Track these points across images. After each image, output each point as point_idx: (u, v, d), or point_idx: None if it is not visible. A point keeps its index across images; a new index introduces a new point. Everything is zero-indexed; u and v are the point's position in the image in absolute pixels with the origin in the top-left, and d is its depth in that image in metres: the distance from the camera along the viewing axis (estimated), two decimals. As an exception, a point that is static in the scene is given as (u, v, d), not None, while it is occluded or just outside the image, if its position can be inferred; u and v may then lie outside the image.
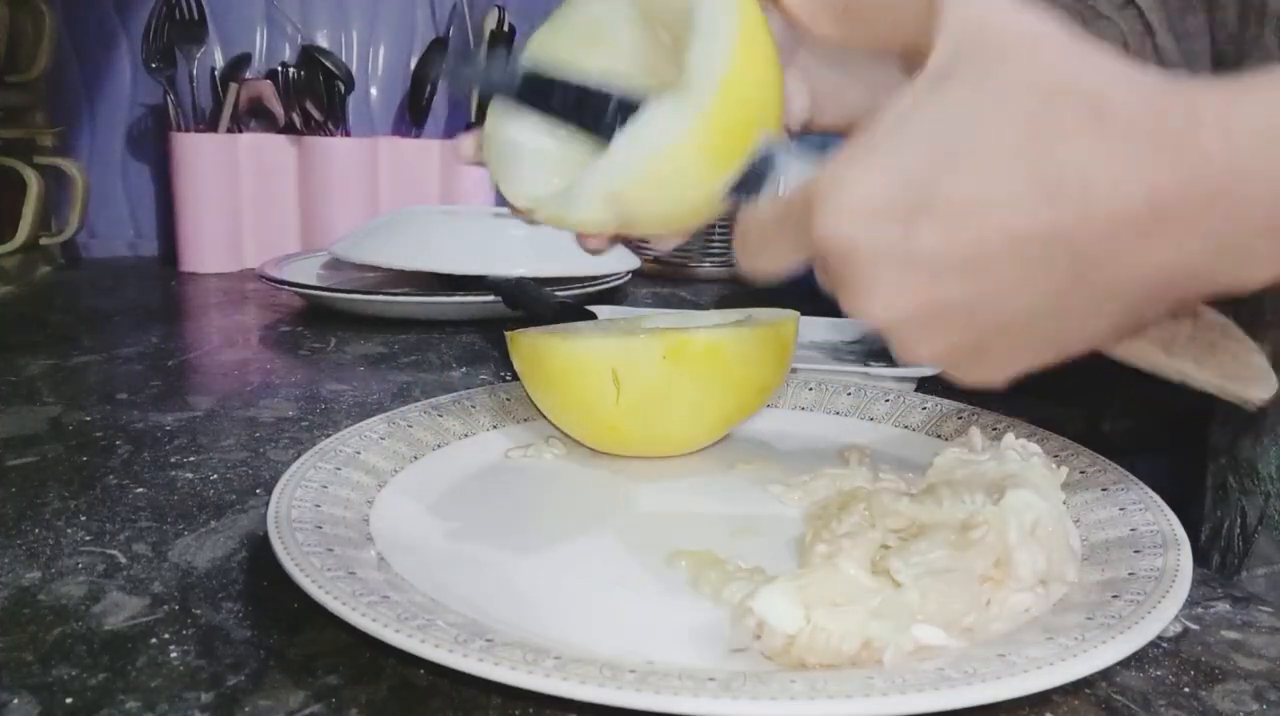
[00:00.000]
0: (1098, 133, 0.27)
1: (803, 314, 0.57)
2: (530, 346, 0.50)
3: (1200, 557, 0.60)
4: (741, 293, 1.11)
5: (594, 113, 0.39)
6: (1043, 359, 0.32)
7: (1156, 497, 0.43)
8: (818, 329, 0.77)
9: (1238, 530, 0.58)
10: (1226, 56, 0.57)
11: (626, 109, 0.38)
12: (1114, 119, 0.27)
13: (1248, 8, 0.54)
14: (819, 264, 0.33)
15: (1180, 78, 0.28)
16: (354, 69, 1.18)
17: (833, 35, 0.36)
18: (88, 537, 0.42)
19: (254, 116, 1.15)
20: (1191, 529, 0.44)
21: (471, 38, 1.22)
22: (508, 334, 0.53)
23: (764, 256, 0.35)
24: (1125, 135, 0.27)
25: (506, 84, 0.41)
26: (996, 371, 0.32)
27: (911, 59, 0.31)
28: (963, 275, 0.29)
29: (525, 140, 0.42)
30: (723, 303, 1.03)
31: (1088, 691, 0.33)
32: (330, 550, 0.36)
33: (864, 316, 0.31)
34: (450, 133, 1.27)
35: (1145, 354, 0.34)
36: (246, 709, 0.30)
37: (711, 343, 0.48)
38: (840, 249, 0.30)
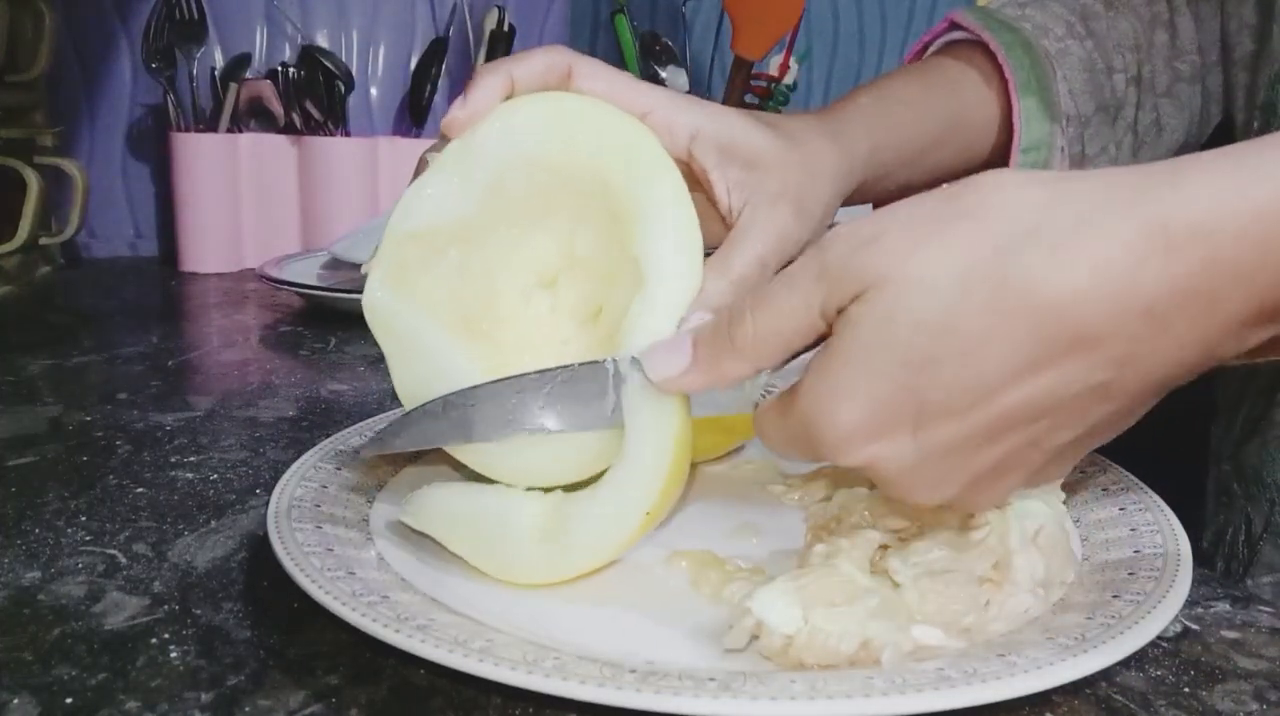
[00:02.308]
0: (1068, 282, 0.27)
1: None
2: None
3: (1204, 564, 0.59)
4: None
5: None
6: (1104, 442, 0.33)
7: (1157, 498, 0.43)
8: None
9: (1242, 537, 0.57)
10: (1231, 49, 0.57)
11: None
12: (1084, 262, 0.27)
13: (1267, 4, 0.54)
14: None
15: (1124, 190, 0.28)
16: (354, 69, 1.18)
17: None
18: (88, 537, 0.42)
19: (254, 116, 1.14)
20: (1194, 531, 0.44)
21: (471, 37, 1.22)
22: None
23: (792, 457, 0.35)
24: (1104, 270, 0.27)
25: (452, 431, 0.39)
26: (1062, 474, 0.35)
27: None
28: (992, 442, 0.30)
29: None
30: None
31: (1088, 691, 0.33)
32: (330, 550, 0.36)
33: (921, 502, 0.32)
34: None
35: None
36: (246, 709, 0.30)
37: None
38: (864, 468, 0.31)
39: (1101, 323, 0.28)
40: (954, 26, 0.58)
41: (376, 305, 0.40)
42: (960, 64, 0.56)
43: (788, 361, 0.34)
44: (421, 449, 0.42)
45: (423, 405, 0.40)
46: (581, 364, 0.38)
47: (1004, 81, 0.55)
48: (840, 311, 0.31)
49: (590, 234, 0.42)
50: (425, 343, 0.41)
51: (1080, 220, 0.28)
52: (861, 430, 0.30)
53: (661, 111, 0.41)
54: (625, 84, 0.42)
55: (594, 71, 0.41)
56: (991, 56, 0.55)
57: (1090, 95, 0.57)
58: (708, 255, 0.40)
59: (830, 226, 0.40)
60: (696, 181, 0.42)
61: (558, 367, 0.39)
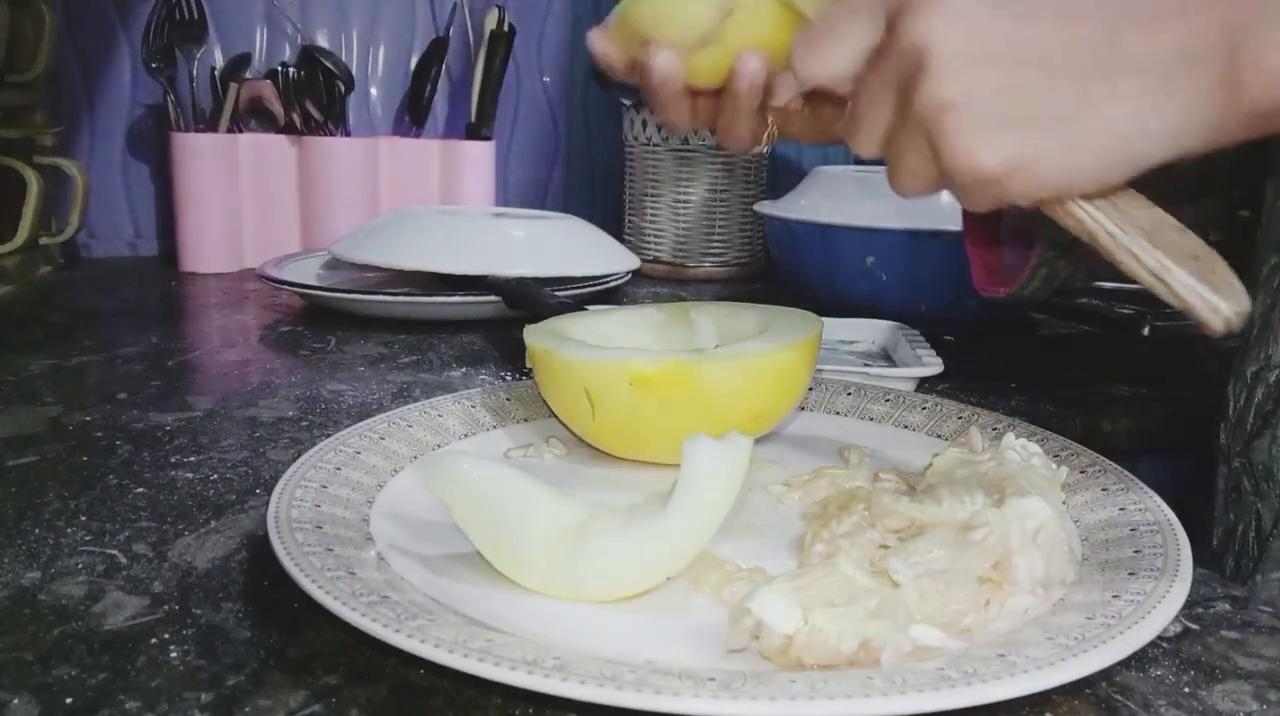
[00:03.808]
0: None
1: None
2: (531, 345, 0.51)
3: (1213, 562, 0.59)
4: (742, 293, 1.11)
5: None
6: (1050, 139, 0.34)
7: (1157, 498, 0.43)
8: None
9: (1252, 534, 0.57)
10: None
11: None
12: None
13: None
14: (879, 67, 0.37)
15: None
16: (354, 69, 1.18)
17: None
18: (88, 537, 0.42)
19: (254, 116, 1.15)
20: (1197, 531, 0.44)
21: (471, 37, 1.22)
22: (528, 327, 0.53)
23: (828, 52, 0.38)
24: None
25: None
26: (1001, 141, 0.35)
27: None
28: (1014, 14, 0.34)
29: None
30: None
31: (1088, 691, 0.33)
32: (330, 550, 0.36)
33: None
34: (450, 133, 1.27)
35: (1132, 239, 0.36)
36: (246, 709, 0.30)
37: (679, 373, 0.46)
38: (922, 34, 0.34)
39: None
40: None
41: None
42: None
43: None
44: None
45: None
46: None
47: None
48: None
49: None
50: None
51: None
52: None
53: None
54: None
55: None
56: None
57: None
58: None
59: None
60: None
61: None
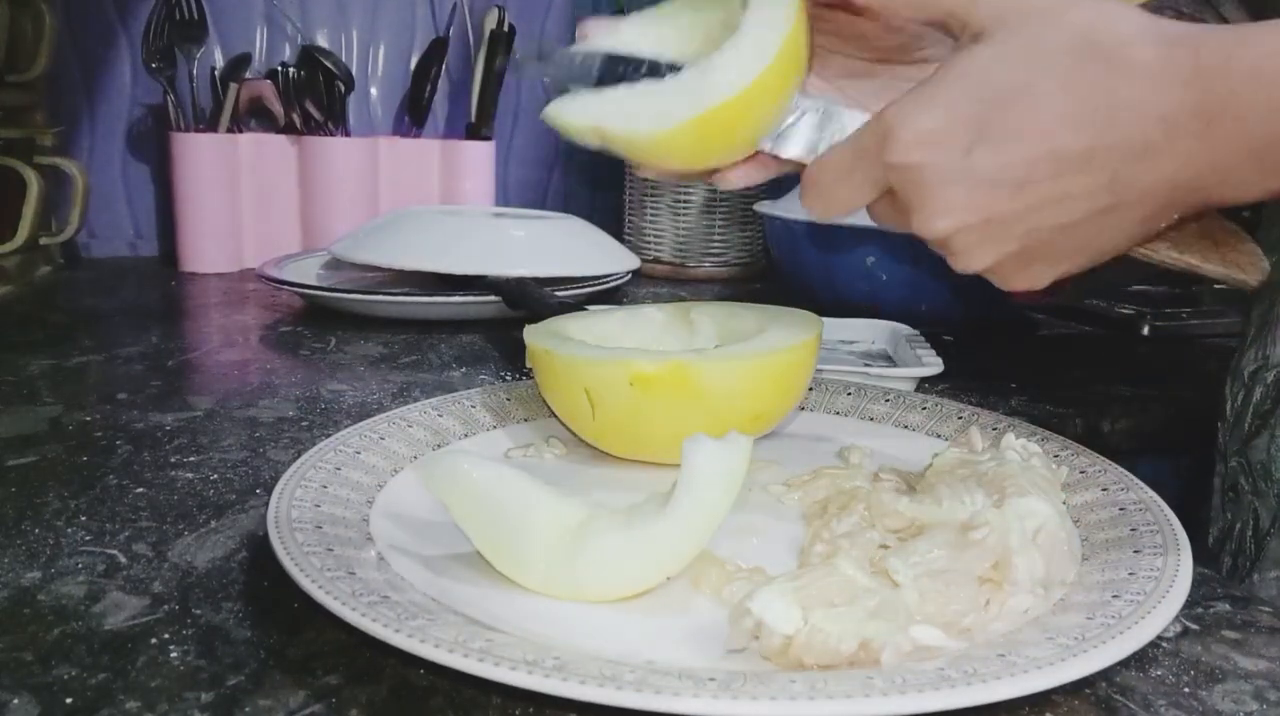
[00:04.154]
0: (1120, 74, 0.34)
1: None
2: (531, 345, 0.51)
3: (1209, 561, 0.59)
4: (742, 293, 1.11)
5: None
6: (1078, 264, 0.38)
7: (1157, 498, 0.43)
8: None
9: (1249, 533, 0.57)
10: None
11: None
12: (1132, 62, 0.34)
13: None
14: (881, 199, 0.39)
15: (1193, 27, 0.35)
16: (354, 69, 1.18)
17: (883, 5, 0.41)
18: (88, 537, 0.42)
19: (254, 116, 1.15)
20: (1196, 530, 0.44)
21: (471, 37, 1.22)
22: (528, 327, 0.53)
23: (833, 196, 0.41)
24: (1143, 73, 0.34)
25: (584, 73, 0.43)
26: (1039, 276, 0.39)
27: (949, 28, 0.38)
28: (1015, 191, 0.36)
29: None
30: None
31: (1088, 691, 0.33)
32: (330, 550, 0.36)
33: (929, 231, 0.38)
34: (450, 133, 1.27)
35: (1159, 251, 0.40)
36: (246, 709, 0.30)
37: (679, 373, 0.46)
38: (910, 170, 0.37)
39: (1132, 115, 0.34)
40: None
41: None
42: None
43: None
44: (559, 81, 0.44)
45: (577, 49, 0.43)
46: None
47: None
48: (964, 42, 0.37)
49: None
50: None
51: (1154, 42, 0.34)
52: (930, 137, 0.36)
53: None
54: None
55: None
56: None
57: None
58: None
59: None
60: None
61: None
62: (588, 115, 0.42)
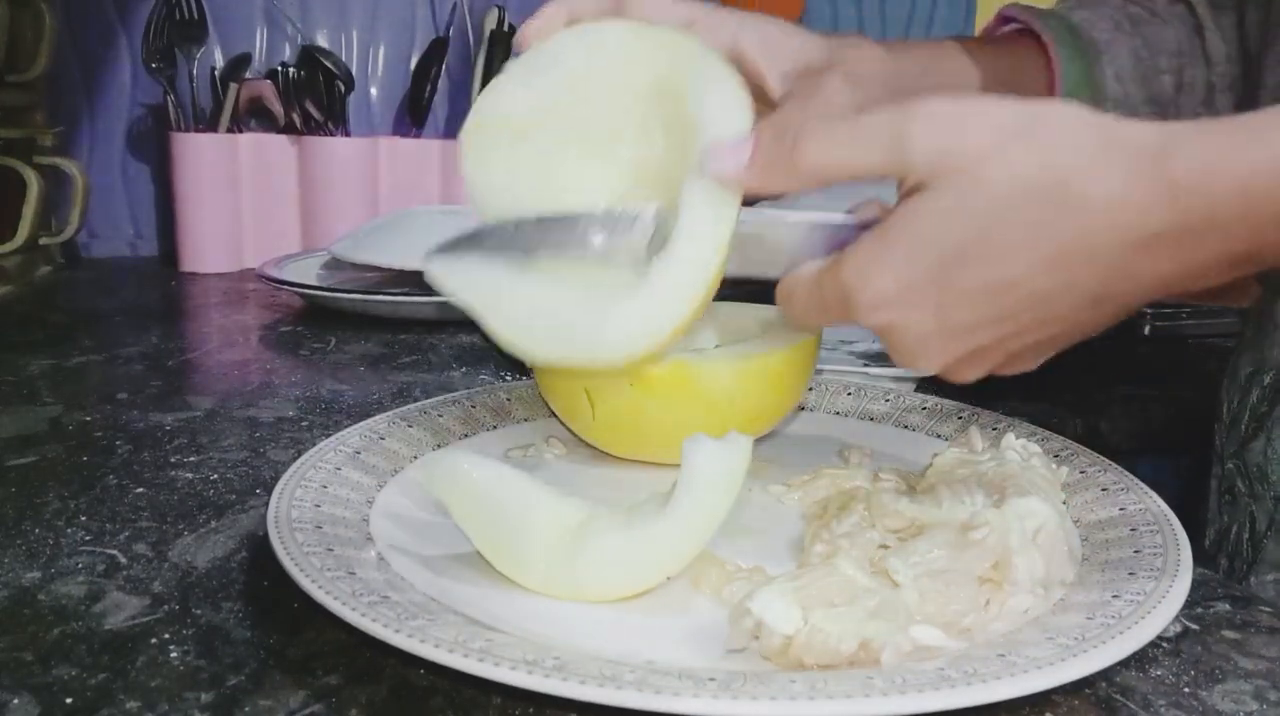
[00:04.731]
0: (1085, 210, 0.33)
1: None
2: None
3: (1207, 562, 0.59)
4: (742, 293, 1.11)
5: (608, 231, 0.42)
6: (1064, 346, 0.38)
7: (1157, 498, 0.43)
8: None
9: (1246, 535, 0.57)
10: (1251, 57, 0.58)
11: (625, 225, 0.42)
12: (1096, 195, 0.33)
13: (1269, 14, 0.55)
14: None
15: (1153, 132, 0.33)
16: (354, 69, 1.18)
17: None
18: (88, 537, 0.42)
19: (254, 116, 1.14)
20: (1195, 531, 0.44)
21: (471, 37, 1.22)
22: None
23: (809, 324, 0.40)
24: (1112, 205, 0.33)
25: (515, 246, 0.42)
26: (1027, 366, 0.39)
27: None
28: (994, 327, 0.35)
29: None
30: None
31: (1088, 691, 0.33)
32: (330, 550, 0.36)
33: (917, 368, 0.38)
34: (450, 133, 1.27)
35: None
36: (246, 709, 0.30)
37: (679, 373, 0.46)
38: (881, 329, 0.37)
39: (1109, 245, 0.33)
40: (1004, 20, 0.61)
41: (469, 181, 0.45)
42: (1007, 45, 0.59)
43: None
44: (488, 254, 0.43)
45: (494, 223, 0.43)
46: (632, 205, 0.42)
47: (1050, 62, 0.57)
48: (911, 190, 0.35)
49: (652, 143, 0.45)
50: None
51: (1111, 165, 0.33)
52: (894, 299, 0.35)
53: (707, 19, 0.45)
54: (670, 3, 0.45)
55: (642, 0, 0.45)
56: (1039, 39, 0.57)
57: (1139, 85, 0.58)
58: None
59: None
60: (751, 76, 0.45)
61: (613, 208, 0.42)
62: (469, 292, 0.42)
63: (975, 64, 0.56)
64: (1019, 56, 0.58)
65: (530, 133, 0.45)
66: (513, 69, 0.44)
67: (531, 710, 0.31)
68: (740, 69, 0.43)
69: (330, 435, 0.48)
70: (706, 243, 0.39)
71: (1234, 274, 0.35)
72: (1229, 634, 0.37)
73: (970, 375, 0.38)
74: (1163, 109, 0.59)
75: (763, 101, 0.45)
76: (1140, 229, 0.33)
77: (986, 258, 0.34)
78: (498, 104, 0.44)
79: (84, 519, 0.44)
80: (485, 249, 0.42)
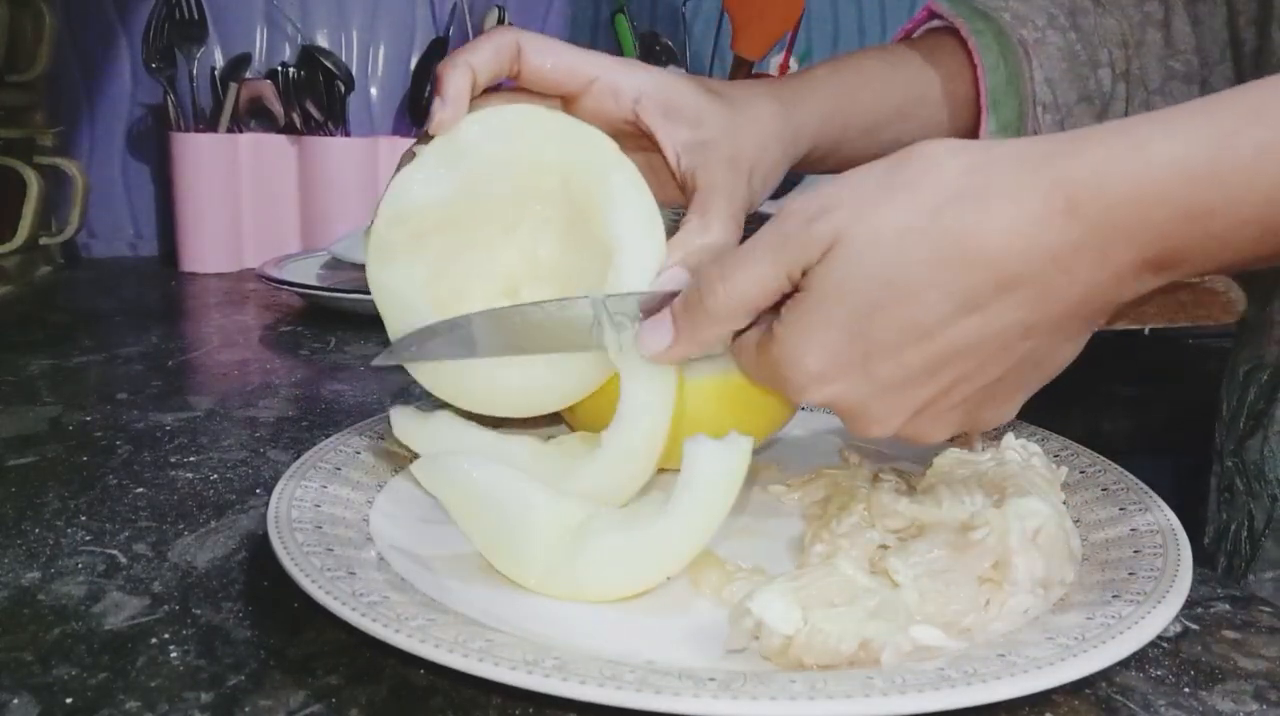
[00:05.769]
0: (983, 238, 0.33)
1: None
2: None
3: (1205, 560, 0.59)
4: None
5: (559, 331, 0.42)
6: (1031, 390, 0.38)
7: (1156, 497, 0.43)
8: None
9: (1244, 533, 0.57)
10: (1242, 43, 0.57)
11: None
12: (990, 228, 0.32)
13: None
14: None
15: (1029, 148, 0.33)
16: (354, 69, 1.18)
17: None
18: (88, 537, 0.42)
19: (254, 116, 1.14)
20: (1195, 530, 0.44)
21: (471, 37, 1.22)
22: None
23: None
24: (1011, 228, 0.32)
25: (466, 346, 0.43)
26: (999, 416, 0.38)
27: None
28: (931, 378, 0.35)
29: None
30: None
31: (1088, 691, 0.33)
32: (330, 550, 0.36)
33: (874, 437, 0.37)
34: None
35: (1118, 325, 0.41)
36: (246, 709, 0.30)
37: (680, 373, 0.44)
38: (827, 405, 0.37)
39: (1017, 268, 0.33)
40: (932, 15, 0.60)
41: (371, 279, 0.44)
42: (930, 46, 0.58)
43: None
44: (428, 361, 0.44)
45: (432, 324, 0.43)
46: (574, 297, 0.42)
47: (975, 65, 0.56)
48: (805, 273, 0.35)
49: (554, 239, 0.46)
50: (416, 314, 0.44)
51: (994, 186, 0.33)
52: (823, 374, 0.35)
53: (607, 77, 0.45)
54: (571, 54, 0.45)
55: (540, 46, 0.45)
56: (964, 41, 0.57)
57: (1071, 85, 0.57)
58: (666, 212, 0.45)
59: (781, 192, 0.43)
60: (649, 142, 0.46)
61: (554, 299, 0.42)
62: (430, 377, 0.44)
63: (889, 86, 0.55)
64: (943, 64, 0.57)
65: (428, 235, 0.44)
66: (421, 160, 0.44)
67: (531, 710, 0.31)
68: (640, 136, 0.46)
69: (330, 435, 0.48)
70: (659, 412, 0.42)
71: (1163, 281, 0.34)
72: (1229, 634, 0.37)
73: (936, 434, 0.37)
74: (1100, 105, 0.58)
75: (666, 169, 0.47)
76: (1042, 244, 0.32)
77: (897, 302, 0.34)
78: (399, 201, 0.44)
79: (84, 519, 0.44)
80: (431, 352, 0.43)
